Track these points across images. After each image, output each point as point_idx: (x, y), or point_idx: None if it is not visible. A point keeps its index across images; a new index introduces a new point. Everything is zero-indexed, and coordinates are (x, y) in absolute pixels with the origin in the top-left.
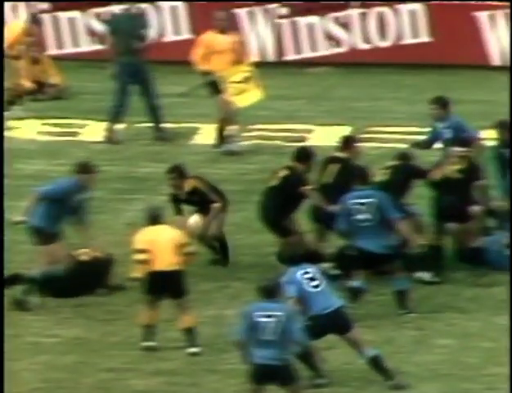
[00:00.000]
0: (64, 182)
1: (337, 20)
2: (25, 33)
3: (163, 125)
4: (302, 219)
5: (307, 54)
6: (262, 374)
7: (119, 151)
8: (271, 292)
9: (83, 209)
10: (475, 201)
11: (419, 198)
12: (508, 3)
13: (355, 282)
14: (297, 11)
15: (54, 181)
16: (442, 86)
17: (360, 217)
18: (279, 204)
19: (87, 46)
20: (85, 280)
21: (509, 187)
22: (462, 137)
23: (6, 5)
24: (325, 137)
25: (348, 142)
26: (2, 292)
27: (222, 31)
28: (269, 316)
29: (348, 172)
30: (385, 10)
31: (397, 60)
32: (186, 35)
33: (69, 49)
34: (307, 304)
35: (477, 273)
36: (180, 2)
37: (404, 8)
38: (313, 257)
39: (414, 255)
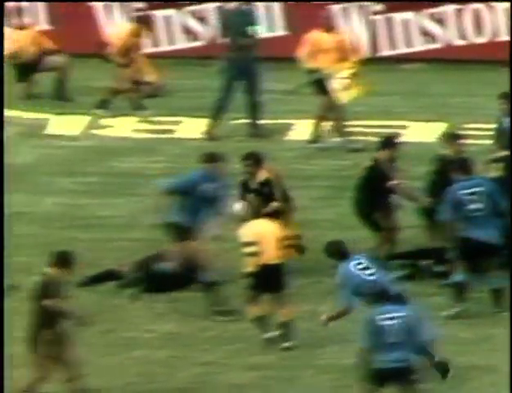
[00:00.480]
0: (191, 173)
1: (432, 17)
2: (133, 35)
3: (259, 122)
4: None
5: (401, 50)
6: (387, 377)
7: (213, 147)
8: (389, 295)
9: (220, 199)
10: None
11: None
12: None
13: (458, 277)
14: (392, 8)
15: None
16: None
17: (472, 207)
18: (366, 196)
19: (182, 43)
20: (178, 276)
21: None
22: None
23: (99, 6)
24: (420, 133)
25: (451, 139)
26: (3, 294)
27: (328, 29)
28: (392, 318)
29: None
30: (480, 6)
31: (492, 57)
32: (280, 32)
33: (164, 47)
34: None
35: None
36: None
37: (500, 6)
38: (429, 253)
39: None
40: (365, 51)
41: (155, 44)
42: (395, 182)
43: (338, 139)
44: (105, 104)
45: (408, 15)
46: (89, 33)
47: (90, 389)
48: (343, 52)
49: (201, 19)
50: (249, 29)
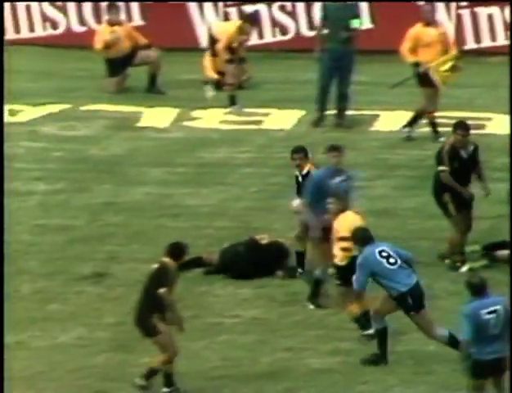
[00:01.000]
0: (314, 175)
1: None
2: (240, 32)
3: (346, 113)
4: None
5: (486, 44)
6: (491, 368)
7: (299, 138)
8: (484, 288)
9: (346, 192)
10: None
11: None
12: None
13: None
14: (477, 2)
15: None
16: None
17: None
18: (436, 182)
19: (270, 37)
20: (264, 262)
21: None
22: None
23: (191, 6)
24: (503, 125)
25: None
26: (2, 289)
27: (429, 23)
28: (492, 312)
29: None
30: None
31: None
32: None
33: (253, 41)
34: (391, 284)
35: None
36: None
37: None
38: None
39: None
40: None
41: None
42: (441, 167)
43: (426, 129)
44: (234, 99)
45: (493, 9)
46: (180, 28)
47: (176, 373)
48: (444, 46)
49: (289, 13)
50: (352, 23)
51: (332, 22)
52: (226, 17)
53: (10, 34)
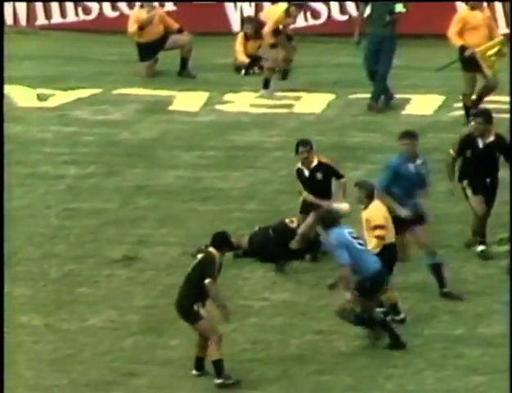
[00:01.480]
0: (389, 161)
1: None
2: (287, 15)
3: (380, 96)
4: None
5: None
6: None
7: (330, 121)
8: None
9: (423, 178)
10: None
11: None
12: None
13: None
14: None
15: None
16: None
17: None
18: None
19: (302, 21)
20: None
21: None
22: None
23: None
24: None
25: None
26: (2, 290)
27: (475, 7)
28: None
29: None
30: None
31: None
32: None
33: None
34: (359, 264)
35: None
36: None
37: None
38: None
39: None
40: None
41: None
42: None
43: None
44: (268, 83)
45: None
46: (211, 13)
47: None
48: (490, 29)
49: None
50: (395, 7)
51: (377, 7)
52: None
53: (41, 20)
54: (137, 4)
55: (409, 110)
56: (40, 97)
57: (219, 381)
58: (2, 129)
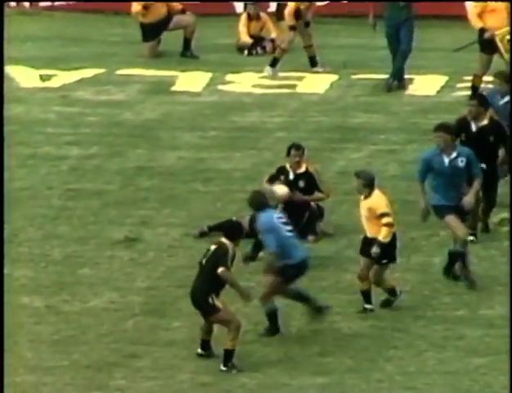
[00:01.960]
0: (423, 153)
1: None
2: None
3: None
4: None
5: None
6: None
7: (332, 102)
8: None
9: (460, 172)
10: None
11: None
12: None
13: None
14: None
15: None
16: None
17: None
18: None
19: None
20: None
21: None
22: None
23: None
24: None
25: None
26: (2, 291)
27: None
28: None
29: None
30: None
31: None
32: None
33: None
34: (287, 250)
35: None
36: None
37: None
38: None
39: None
40: None
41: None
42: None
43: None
44: (276, 63)
45: None
46: None
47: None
48: (508, 13)
49: None
50: None
51: None
52: None
53: (44, 1)
54: None
55: (412, 90)
56: (43, 78)
57: (224, 368)
58: (2, 110)
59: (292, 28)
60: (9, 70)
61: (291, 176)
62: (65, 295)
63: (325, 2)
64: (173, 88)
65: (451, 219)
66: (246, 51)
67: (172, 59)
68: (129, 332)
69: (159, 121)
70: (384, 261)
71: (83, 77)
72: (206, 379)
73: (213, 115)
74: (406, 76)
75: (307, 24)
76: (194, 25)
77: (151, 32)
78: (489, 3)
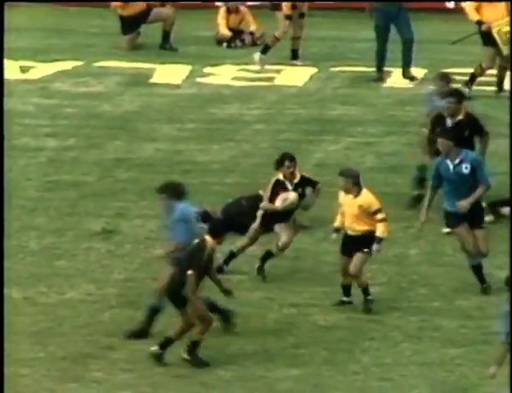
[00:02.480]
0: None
1: None
2: None
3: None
4: None
5: None
6: None
7: (311, 94)
8: None
9: (465, 178)
10: None
11: None
12: None
13: None
14: None
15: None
16: None
17: None
18: None
19: None
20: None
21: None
22: None
23: None
24: None
25: None
26: (2, 292)
27: None
28: None
29: None
30: None
31: None
32: None
33: None
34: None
35: None
36: None
37: None
38: None
39: None
40: None
41: None
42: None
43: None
44: (266, 51)
45: None
46: None
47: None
48: (507, 5)
49: None
50: None
51: None
52: None
53: None
54: None
55: (390, 82)
56: (23, 70)
57: (187, 357)
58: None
59: (288, 17)
60: None
61: (290, 187)
62: (42, 287)
63: None
64: (152, 81)
65: (462, 232)
66: (225, 44)
67: (151, 51)
68: (106, 323)
69: (137, 113)
70: (366, 250)
71: (62, 69)
72: (182, 372)
73: (192, 107)
74: (385, 69)
75: (301, 16)
76: (173, 18)
77: (130, 25)
78: None
